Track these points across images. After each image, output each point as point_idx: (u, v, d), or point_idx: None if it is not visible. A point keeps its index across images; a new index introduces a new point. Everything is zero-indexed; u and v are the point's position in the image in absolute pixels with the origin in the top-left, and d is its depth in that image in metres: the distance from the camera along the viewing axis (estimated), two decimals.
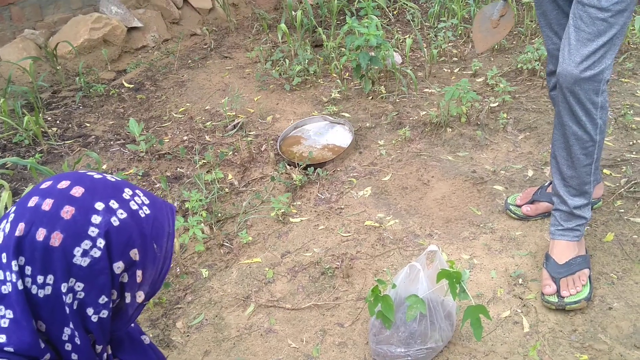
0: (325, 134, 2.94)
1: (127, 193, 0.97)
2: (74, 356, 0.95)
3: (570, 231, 1.89)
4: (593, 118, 1.74)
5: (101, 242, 0.90)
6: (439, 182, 2.51)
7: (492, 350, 1.72)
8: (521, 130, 2.79)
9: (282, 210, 2.37)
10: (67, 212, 0.90)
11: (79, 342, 0.94)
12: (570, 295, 1.80)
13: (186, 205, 2.39)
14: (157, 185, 2.62)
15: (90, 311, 0.93)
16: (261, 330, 1.89)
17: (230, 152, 2.83)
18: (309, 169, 2.62)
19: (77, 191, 0.92)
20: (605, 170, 2.42)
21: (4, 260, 0.89)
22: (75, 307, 0.91)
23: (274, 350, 1.81)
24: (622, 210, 2.20)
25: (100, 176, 0.98)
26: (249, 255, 2.22)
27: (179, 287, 2.08)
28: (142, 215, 0.96)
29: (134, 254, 0.94)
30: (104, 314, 0.95)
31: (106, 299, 0.93)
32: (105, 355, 1.08)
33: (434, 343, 1.67)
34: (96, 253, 0.90)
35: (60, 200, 0.91)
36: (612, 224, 2.14)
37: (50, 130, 3.06)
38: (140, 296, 1.00)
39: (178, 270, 2.15)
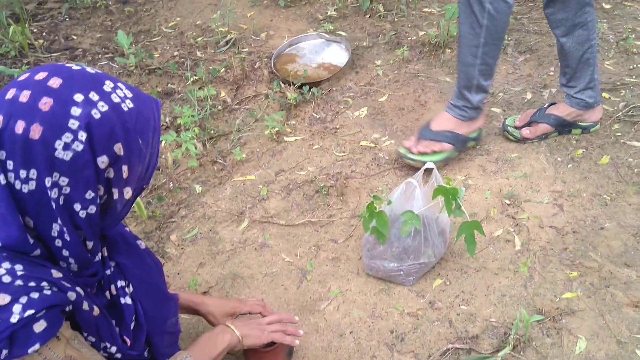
0: (320, 53, 2.86)
1: (108, 85, 0.93)
2: (65, 252, 0.95)
3: (457, 108, 2.07)
4: (482, 1, 1.81)
5: (83, 135, 0.87)
6: (436, 103, 2.47)
7: (483, 266, 1.75)
8: (521, 52, 2.73)
9: (277, 129, 2.34)
10: (45, 103, 0.86)
11: (68, 239, 0.93)
12: (418, 153, 2.04)
13: (178, 121, 2.34)
14: None
15: (77, 207, 0.92)
16: (255, 244, 1.90)
17: (223, 69, 2.76)
18: (303, 87, 2.56)
19: (55, 82, 0.88)
20: (604, 94, 2.38)
21: None
22: (61, 203, 0.90)
23: (268, 263, 1.83)
24: (619, 134, 2.19)
25: (78, 67, 0.93)
26: (243, 173, 2.20)
27: (172, 202, 2.08)
28: (125, 108, 0.92)
29: (118, 148, 0.91)
30: (92, 209, 0.93)
31: (93, 195, 0.92)
32: (99, 255, 1.08)
33: (427, 259, 1.69)
34: (78, 146, 0.87)
35: (38, 91, 0.87)
36: (608, 147, 2.13)
37: (36, 42, 2.95)
38: (128, 192, 0.98)
39: (171, 185, 2.14)
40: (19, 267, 0.88)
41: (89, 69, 0.94)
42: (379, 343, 1.56)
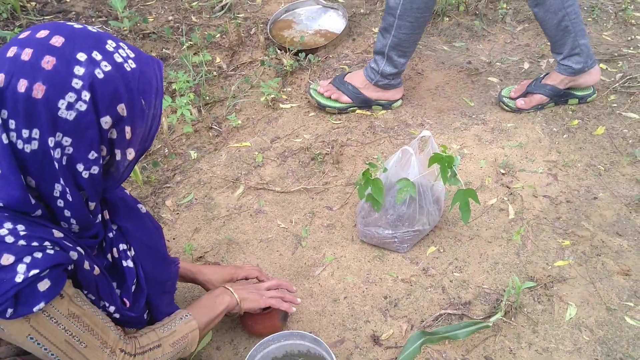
0: (317, 19, 2.82)
1: (110, 45, 0.91)
2: (67, 213, 0.95)
3: (369, 69, 2.20)
4: None
5: (86, 95, 0.86)
6: (433, 72, 2.46)
7: (476, 234, 1.76)
8: (520, 21, 2.71)
9: (272, 96, 2.32)
10: (48, 62, 0.85)
11: (70, 199, 0.93)
12: (319, 92, 2.26)
13: (173, 87, 2.32)
14: None
15: (80, 167, 0.91)
16: (251, 210, 1.90)
17: (218, 35, 2.72)
18: (300, 54, 2.54)
19: (57, 40, 0.87)
20: (601, 65, 2.38)
21: None
22: (64, 163, 0.90)
23: (264, 229, 1.84)
24: (615, 105, 2.19)
25: (80, 26, 0.92)
26: (238, 139, 2.19)
27: (167, 167, 2.07)
28: (128, 69, 0.91)
29: (121, 109, 0.91)
30: (95, 170, 0.93)
31: (96, 155, 0.91)
32: (99, 216, 1.08)
33: (421, 226, 1.70)
34: (82, 106, 0.86)
35: (40, 49, 0.85)
36: (604, 118, 2.14)
37: (29, 5, 2.89)
38: (131, 153, 0.98)
39: (166, 150, 2.13)
40: (21, 227, 0.88)
41: (90, 28, 0.93)
42: (373, 308, 1.58)
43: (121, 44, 0.94)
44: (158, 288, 1.24)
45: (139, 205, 1.24)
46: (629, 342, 1.43)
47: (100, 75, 0.88)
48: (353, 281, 1.66)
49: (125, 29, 2.64)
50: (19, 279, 0.85)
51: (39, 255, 0.88)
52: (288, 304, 1.43)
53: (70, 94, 0.85)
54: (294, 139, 2.18)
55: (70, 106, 0.86)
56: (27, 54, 0.85)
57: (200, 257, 1.75)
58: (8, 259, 0.85)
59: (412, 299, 1.60)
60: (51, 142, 0.87)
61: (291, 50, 2.53)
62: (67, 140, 0.88)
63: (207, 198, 1.96)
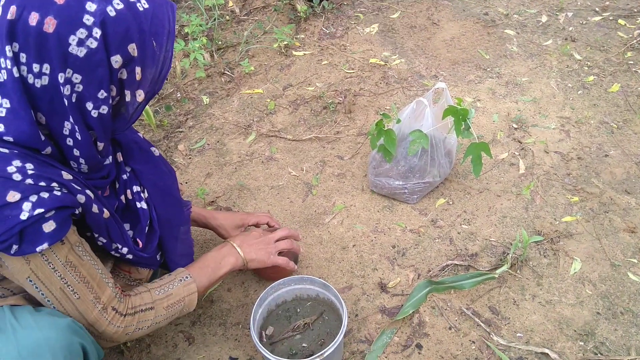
0: None
1: None
2: (76, 152, 0.95)
3: None
4: None
5: (97, 32, 0.85)
6: (449, 22, 2.42)
7: (486, 188, 1.78)
8: None
9: (285, 42, 2.30)
10: None
11: (79, 138, 0.93)
12: None
13: (185, 30, 2.30)
14: None
15: (89, 105, 0.91)
16: (262, 157, 1.92)
17: None
18: (314, 0, 2.49)
19: None
20: (620, 21, 2.33)
21: None
22: (74, 100, 0.89)
23: (275, 176, 1.86)
24: (632, 62, 2.16)
25: None
26: (250, 86, 2.19)
27: (180, 112, 2.07)
28: (140, 8, 0.90)
29: (132, 49, 0.90)
30: (104, 109, 0.92)
31: (105, 94, 0.91)
32: (110, 158, 1.08)
33: (432, 178, 1.71)
34: (92, 43, 0.85)
35: None
36: (620, 75, 2.11)
37: None
38: (140, 95, 0.97)
39: (179, 95, 2.12)
40: (29, 166, 0.88)
41: None
42: (381, 257, 1.61)
43: None
44: (171, 230, 1.25)
45: (152, 149, 1.24)
46: (630, 297, 1.47)
47: (112, 13, 0.86)
48: (362, 230, 1.68)
49: None
50: (24, 216, 0.85)
51: (45, 195, 0.87)
52: (293, 265, 1.44)
53: (82, 30, 0.84)
54: (306, 87, 2.17)
55: (81, 42, 0.85)
56: None
57: (212, 201, 1.77)
58: (14, 196, 0.85)
59: (419, 249, 1.63)
60: (61, 78, 0.86)
61: None
62: (77, 78, 0.87)
63: (219, 144, 1.97)
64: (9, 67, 0.84)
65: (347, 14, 2.48)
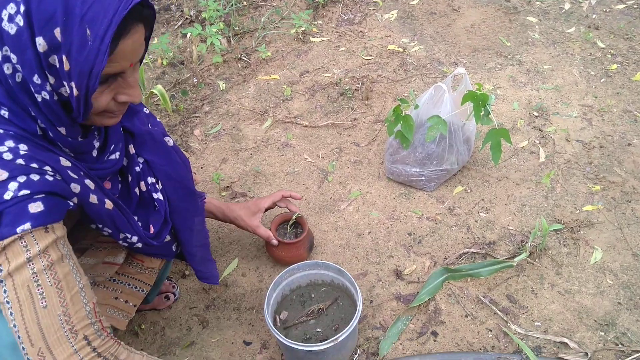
0: None
1: None
2: (50, 134, 0.90)
3: None
4: None
5: (22, 8, 0.78)
6: (469, 9, 2.38)
7: (505, 176, 1.75)
8: None
9: (303, 28, 2.28)
10: None
11: (39, 121, 0.88)
12: None
13: (203, 15, 2.28)
14: None
15: (32, 89, 0.85)
16: (278, 143, 1.90)
17: None
18: None
19: None
20: None
21: None
22: (18, 80, 0.84)
23: (290, 162, 1.84)
24: None
25: None
26: (267, 72, 2.17)
27: (196, 97, 2.06)
28: None
29: (57, 32, 0.80)
30: (45, 96, 0.85)
31: (40, 80, 0.84)
32: (116, 154, 1.05)
33: (450, 165, 1.69)
34: (20, 21, 0.79)
35: None
36: None
37: None
38: (73, 88, 0.84)
39: (195, 80, 2.12)
40: (23, 147, 0.84)
41: None
42: (397, 244, 1.59)
43: None
44: (186, 223, 1.23)
45: (167, 139, 1.20)
46: None
47: None
48: (378, 217, 1.66)
49: None
50: (7, 196, 0.80)
51: (35, 177, 0.83)
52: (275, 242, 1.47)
53: (12, 4, 0.79)
54: (323, 73, 2.15)
55: (11, 18, 0.79)
56: None
57: (227, 187, 1.77)
58: (1, 174, 0.80)
59: (436, 236, 1.60)
60: (0, 55, 0.82)
61: None
62: (13, 58, 0.82)
63: (235, 129, 1.96)
64: None
65: (366, 1, 2.45)
